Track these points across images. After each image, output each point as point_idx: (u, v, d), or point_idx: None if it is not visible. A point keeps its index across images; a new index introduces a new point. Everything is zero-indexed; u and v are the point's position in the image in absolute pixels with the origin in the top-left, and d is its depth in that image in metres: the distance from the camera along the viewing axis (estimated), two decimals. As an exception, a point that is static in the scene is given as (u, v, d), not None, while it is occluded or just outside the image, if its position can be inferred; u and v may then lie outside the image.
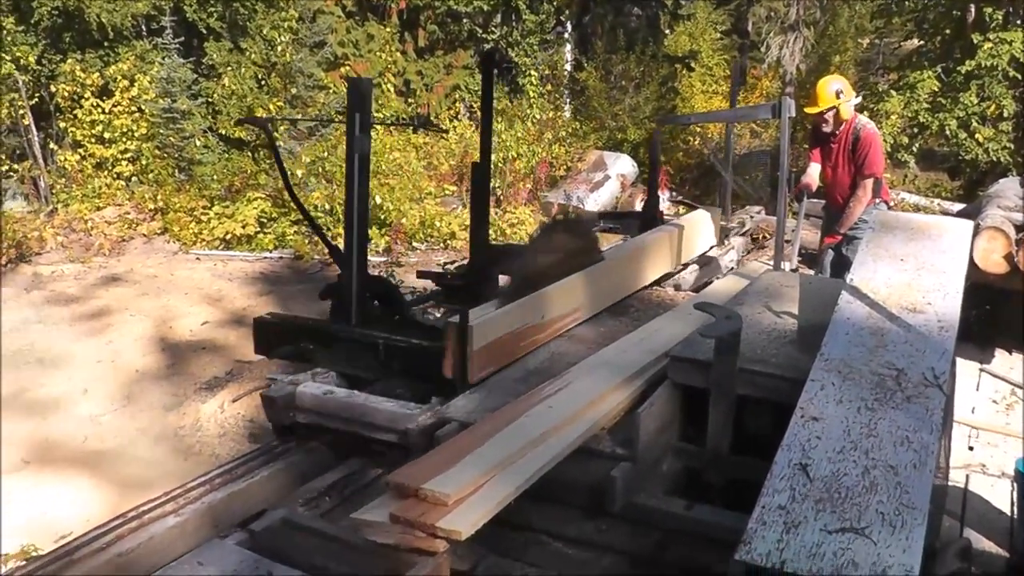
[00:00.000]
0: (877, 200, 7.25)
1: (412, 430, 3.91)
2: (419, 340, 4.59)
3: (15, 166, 16.25)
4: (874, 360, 3.69)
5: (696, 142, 18.33)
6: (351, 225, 5.04)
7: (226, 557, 2.84)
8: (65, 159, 16.26)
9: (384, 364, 4.62)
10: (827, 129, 7.36)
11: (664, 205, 16.28)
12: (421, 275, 7.34)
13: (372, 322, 5.01)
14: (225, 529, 3.29)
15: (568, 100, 20.75)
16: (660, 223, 7.27)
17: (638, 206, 16.24)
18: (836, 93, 7.20)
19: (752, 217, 11.43)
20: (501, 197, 16.65)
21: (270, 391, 4.36)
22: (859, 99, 7.58)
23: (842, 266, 7.27)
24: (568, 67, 20.97)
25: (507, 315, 4.64)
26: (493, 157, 16.43)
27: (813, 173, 7.66)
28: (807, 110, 7.47)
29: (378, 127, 16.59)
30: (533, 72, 19.44)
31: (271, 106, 16.09)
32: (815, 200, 8.27)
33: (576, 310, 5.28)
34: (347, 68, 18.57)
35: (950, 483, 5.09)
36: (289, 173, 15.04)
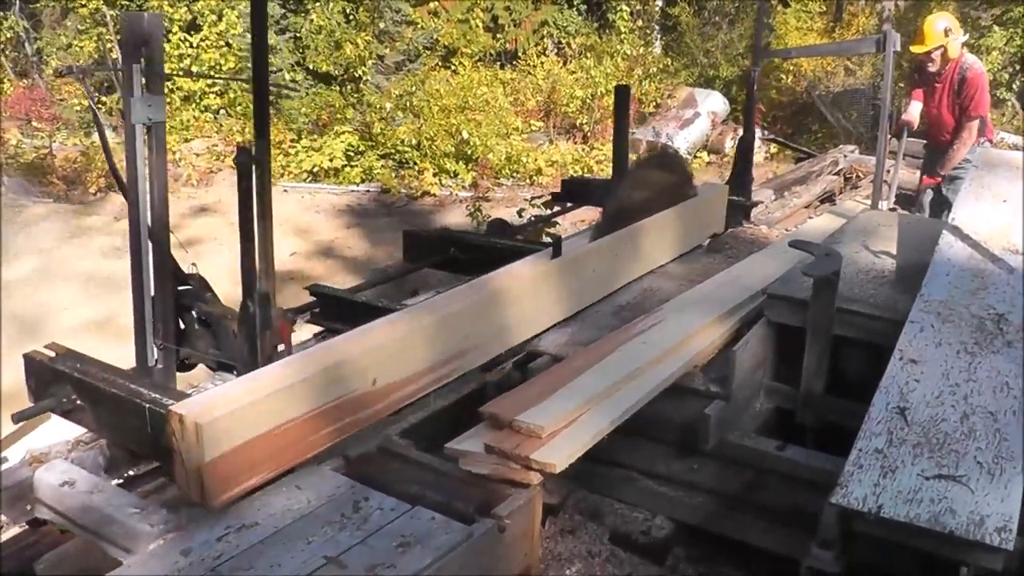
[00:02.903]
0: (981, 139, 7.03)
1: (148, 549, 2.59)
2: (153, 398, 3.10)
3: (103, 99, 16.50)
4: (974, 303, 3.60)
5: (790, 79, 17.91)
6: (136, 220, 3.86)
7: (323, 482, 2.85)
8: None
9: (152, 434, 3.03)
10: (933, 68, 7.12)
11: (756, 143, 16.09)
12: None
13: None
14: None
15: (659, 36, 20.37)
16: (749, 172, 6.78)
17: (728, 144, 16.02)
18: (944, 31, 6.95)
19: (846, 156, 11.20)
20: (588, 134, 16.50)
21: None
22: (966, 37, 7.30)
23: (942, 207, 7.08)
24: (660, 2, 20.56)
25: (289, 397, 2.91)
26: (581, 93, 16.50)
27: (914, 112, 7.43)
28: (913, 49, 7.23)
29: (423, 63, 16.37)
30: (624, 7, 19.10)
31: (359, 40, 16.06)
32: (915, 139, 8.04)
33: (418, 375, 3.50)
34: (435, 3, 18.46)
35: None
36: (377, 107, 15.10)
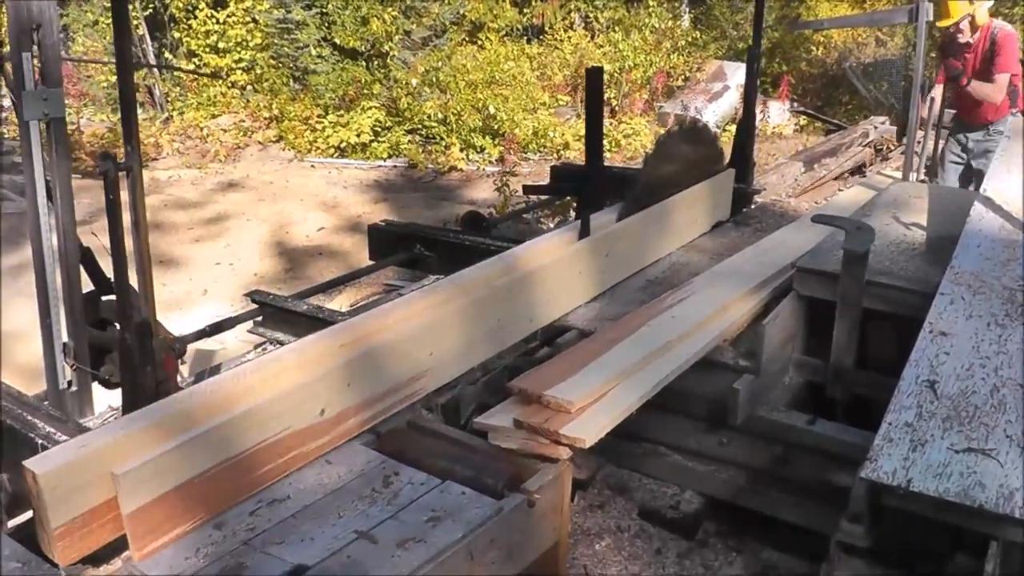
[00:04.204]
0: (1013, 109, 6.94)
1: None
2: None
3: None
4: (1006, 274, 3.58)
5: (820, 51, 17.74)
6: (37, 228, 3.58)
7: (354, 457, 2.87)
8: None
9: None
10: (964, 39, 7.01)
11: (784, 116, 15.97)
12: (527, 190, 7.15)
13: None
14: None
15: (688, 9, 20.19)
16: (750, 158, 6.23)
17: (758, 117, 15.89)
18: None
19: (876, 128, 11.11)
20: (616, 107, 16.42)
21: None
22: (992, 1, 7.16)
23: (970, 179, 7.02)
24: (688, -26, 20.40)
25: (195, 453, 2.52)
26: (609, 67, 16.42)
27: (936, 95, 7.32)
28: (940, 24, 7.13)
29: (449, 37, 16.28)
30: (652, -21, 18.97)
31: (385, 15, 16.03)
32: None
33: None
34: (463, -23, 18.40)
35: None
36: (404, 82, 15.09)
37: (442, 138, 14.70)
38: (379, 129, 14.78)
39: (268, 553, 2.38)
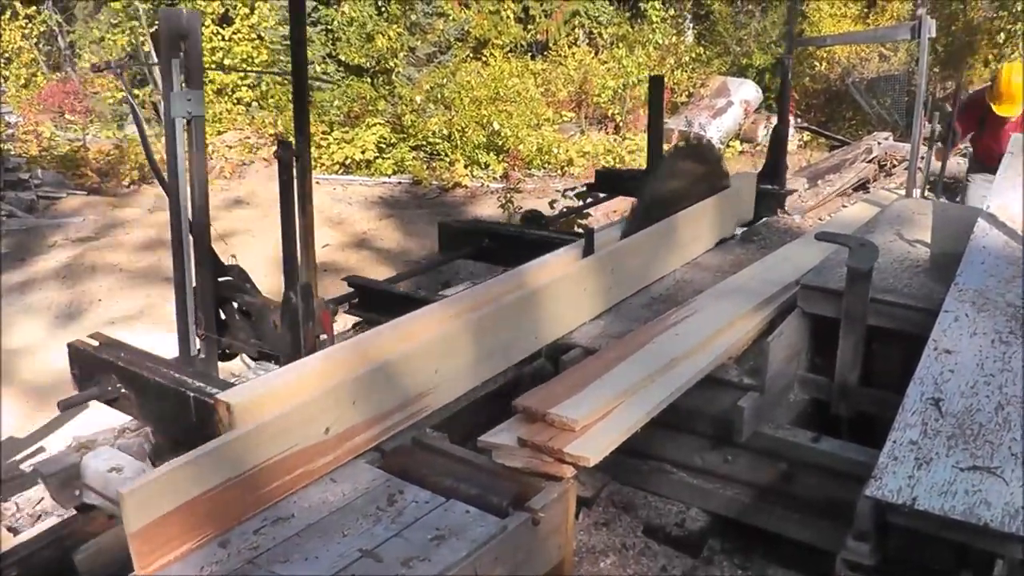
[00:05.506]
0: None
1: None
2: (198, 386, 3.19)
3: (136, 91, 16.62)
4: (1010, 292, 3.57)
5: (823, 66, 17.79)
6: (177, 213, 3.95)
7: (358, 475, 2.87)
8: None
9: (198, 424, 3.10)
10: (1007, 115, 6.76)
11: (788, 132, 15.98)
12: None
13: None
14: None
15: (691, 25, 20.29)
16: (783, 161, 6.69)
17: (761, 133, 15.93)
18: None
19: (879, 143, 11.13)
20: (620, 123, 16.46)
21: (43, 465, 3.31)
22: None
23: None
24: (691, -9, 20.50)
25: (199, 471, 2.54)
26: (613, 83, 16.45)
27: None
28: (1002, 111, 6.75)
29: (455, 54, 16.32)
30: (657, -4, 19.06)
31: (390, 32, 16.10)
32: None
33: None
34: (468, -6, 18.51)
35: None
36: (408, 99, 15.14)
37: (446, 154, 14.74)
38: (384, 145, 14.83)
39: (272, 572, 2.38)
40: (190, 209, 4.00)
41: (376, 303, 4.91)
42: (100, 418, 4.26)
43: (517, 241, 5.57)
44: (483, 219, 11.60)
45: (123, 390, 3.44)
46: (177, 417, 3.17)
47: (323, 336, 3.84)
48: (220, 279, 4.20)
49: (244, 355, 4.35)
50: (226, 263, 4.29)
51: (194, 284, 4.03)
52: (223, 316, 4.23)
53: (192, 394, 3.10)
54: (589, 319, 4.19)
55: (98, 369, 3.51)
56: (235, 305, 4.23)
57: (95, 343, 3.63)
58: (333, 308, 4.24)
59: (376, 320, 4.16)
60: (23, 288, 9.57)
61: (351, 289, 5.10)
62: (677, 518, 3.45)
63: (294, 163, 3.70)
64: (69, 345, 3.67)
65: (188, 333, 4.01)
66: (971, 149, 7.54)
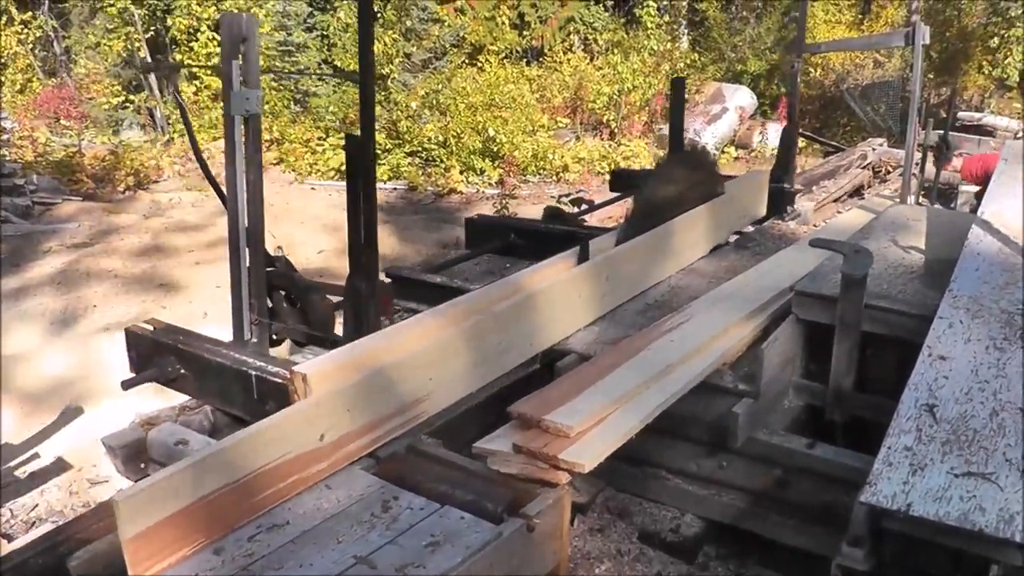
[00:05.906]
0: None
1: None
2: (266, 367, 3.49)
3: (131, 97, 16.62)
4: (1004, 298, 3.58)
5: (817, 73, 17.83)
6: (235, 208, 4.13)
7: (353, 481, 2.87)
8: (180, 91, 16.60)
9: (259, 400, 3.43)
10: None
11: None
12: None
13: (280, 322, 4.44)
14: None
15: (686, 31, 20.33)
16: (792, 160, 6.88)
17: (756, 140, 15.95)
18: None
19: (874, 149, 11.14)
20: (616, 130, 16.48)
21: (110, 439, 3.58)
22: None
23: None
24: (687, -3, 20.54)
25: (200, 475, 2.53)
26: (608, 89, 16.47)
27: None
28: None
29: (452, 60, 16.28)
30: (651, 2, 19.06)
31: (386, 38, 16.12)
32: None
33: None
34: (462, 0, 18.50)
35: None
36: (404, 105, 15.16)
37: (442, 160, 14.76)
38: (379, 151, 14.81)
39: (267, 579, 2.38)
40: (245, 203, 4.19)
41: (413, 293, 5.10)
42: (99, 418, 4.32)
43: (544, 236, 5.73)
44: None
45: (182, 371, 3.75)
46: (239, 395, 3.51)
47: (384, 319, 4.03)
48: (268, 269, 4.41)
49: (291, 339, 4.64)
50: (272, 254, 4.51)
51: (247, 273, 4.27)
52: (271, 304, 4.46)
53: (254, 372, 3.43)
54: (584, 325, 4.19)
55: (157, 352, 3.83)
56: (283, 293, 4.50)
57: (151, 328, 3.94)
58: (392, 291, 4.51)
59: (414, 309, 4.47)
60: (18, 294, 9.55)
61: (388, 280, 5.17)
62: (672, 524, 3.44)
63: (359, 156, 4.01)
64: (127, 330, 4.00)
65: (242, 320, 4.23)
66: None
